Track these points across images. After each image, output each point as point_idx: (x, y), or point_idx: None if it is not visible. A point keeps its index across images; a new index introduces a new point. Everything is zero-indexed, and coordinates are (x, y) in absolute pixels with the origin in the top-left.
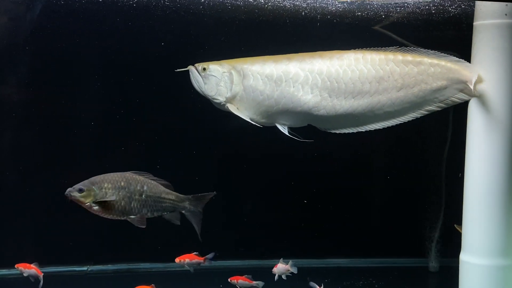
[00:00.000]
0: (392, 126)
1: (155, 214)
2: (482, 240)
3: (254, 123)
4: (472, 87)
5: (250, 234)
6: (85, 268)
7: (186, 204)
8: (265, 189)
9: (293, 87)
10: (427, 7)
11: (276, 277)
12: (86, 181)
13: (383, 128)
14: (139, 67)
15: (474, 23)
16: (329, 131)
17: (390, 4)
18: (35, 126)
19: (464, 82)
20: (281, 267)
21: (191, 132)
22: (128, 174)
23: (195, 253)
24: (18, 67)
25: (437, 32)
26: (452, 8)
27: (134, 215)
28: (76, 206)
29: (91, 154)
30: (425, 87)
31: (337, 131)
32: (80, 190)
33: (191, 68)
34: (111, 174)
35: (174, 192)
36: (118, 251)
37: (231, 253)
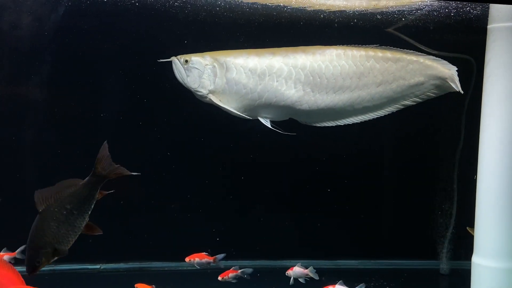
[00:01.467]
0: (404, 127)
1: (93, 206)
2: (495, 243)
3: (239, 113)
4: (452, 83)
5: (261, 235)
6: (97, 266)
7: (101, 173)
8: (277, 190)
9: (277, 81)
10: (446, 10)
11: (291, 281)
12: (29, 253)
13: (396, 129)
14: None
15: (488, 26)
16: (309, 124)
17: (406, 7)
18: (58, 125)
19: (441, 78)
20: (298, 271)
21: (207, 133)
22: (43, 215)
23: (205, 252)
24: (42, 67)
25: (452, 35)
26: (467, 12)
27: (83, 225)
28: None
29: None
30: (403, 83)
31: (317, 124)
32: (38, 263)
33: (174, 59)
34: (34, 230)
35: (84, 181)
36: (131, 249)
37: (242, 253)
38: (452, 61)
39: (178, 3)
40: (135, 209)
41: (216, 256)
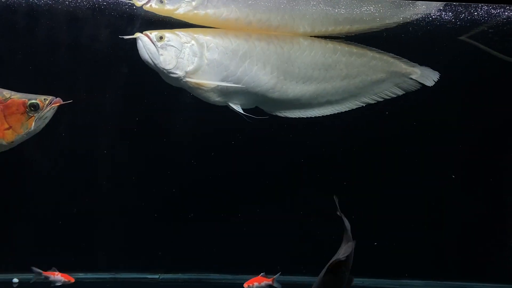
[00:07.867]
0: (474, 133)
1: None
2: None
3: (217, 98)
4: (418, 79)
5: (320, 250)
6: (156, 276)
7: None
8: (339, 202)
9: (256, 65)
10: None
11: None
12: None
13: (466, 135)
14: None
15: None
16: (273, 113)
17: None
18: (130, 134)
19: (404, 76)
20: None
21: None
22: None
23: (262, 274)
24: (119, 79)
25: None
26: None
27: None
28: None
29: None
30: (365, 79)
31: (281, 115)
32: None
33: (140, 36)
34: None
35: None
36: (189, 261)
37: (298, 268)
38: None
39: None
40: (195, 220)
41: (274, 277)
